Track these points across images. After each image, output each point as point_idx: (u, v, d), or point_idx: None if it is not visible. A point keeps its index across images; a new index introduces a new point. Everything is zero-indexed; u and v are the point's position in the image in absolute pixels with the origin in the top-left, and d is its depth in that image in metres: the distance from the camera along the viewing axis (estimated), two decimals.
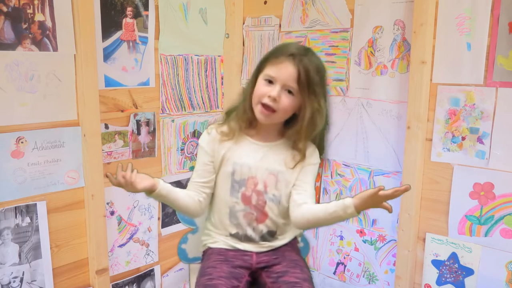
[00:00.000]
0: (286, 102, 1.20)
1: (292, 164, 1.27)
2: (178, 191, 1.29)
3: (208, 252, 1.35)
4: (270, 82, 1.21)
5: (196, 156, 1.46)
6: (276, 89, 1.19)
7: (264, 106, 1.21)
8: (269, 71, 1.21)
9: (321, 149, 1.35)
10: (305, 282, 1.22)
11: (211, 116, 2.12)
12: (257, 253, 1.31)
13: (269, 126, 1.28)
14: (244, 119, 1.28)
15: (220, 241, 1.34)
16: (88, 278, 1.71)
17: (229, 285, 1.21)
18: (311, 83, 1.19)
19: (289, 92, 1.20)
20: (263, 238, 1.32)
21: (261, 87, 1.22)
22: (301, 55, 1.20)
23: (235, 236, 1.32)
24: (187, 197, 1.31)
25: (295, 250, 1.37)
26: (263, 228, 1.31)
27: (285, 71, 1.19)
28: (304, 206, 1.25)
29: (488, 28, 1.51)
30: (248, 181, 1.28)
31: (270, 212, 1.30)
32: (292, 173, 1.29)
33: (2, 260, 1.49)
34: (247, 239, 1.32)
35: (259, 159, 1.28)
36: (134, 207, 1.87)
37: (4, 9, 1.41)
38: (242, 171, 1.28)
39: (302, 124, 1.22)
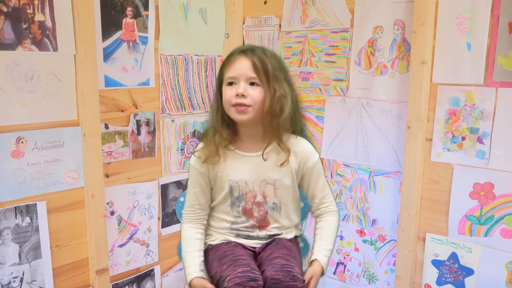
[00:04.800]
0: (255, 93, 1.22)
1: (282, 161, 1.27)
2: (200, 252, 1.32)
3: (210, 247, 1.35)
4: (233, 84, 1.24)
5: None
6: (241, 86, 1.22)
7: (237, 105, 1.22)
8: (228, 73, 1.24)
9: (301, 132, 1.36)
10: (287, 256, 1.22)
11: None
12: (259, 246, 1.32)
13: (253, 133, 1.28)
14: (223, 132, 1.27)
15: (221, 236, 1.34)
16: (88, 278, 1.71)
17: (255, 264, 1.23)
18: (269, 68, 1.22)
19: (254, 84, 1.22)
20: (268, 238, 1.33)
21: (227, 91, 1.24)
22: (252, 48, 1.24)
23: (236, 236, 1.33)
24: (202, 242, 1.34)
25: (291, 242, 1.36)
26: (266, 232, 1.32)
27: (241, 65, 1.22)
28: (319, 222, 1.36)
29: (488, 28, 1.51)
30: (247, 195, 1.29)
31: (272, 220, 1.31)
32: (289, 177, 1.29)
33: (2, 260, 1.49)
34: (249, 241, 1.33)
35: (254, 171, 1.28)
36: (134, 207, 1.87)
37: (4, 9, 1.41)
38: (239, 187, 1.28)
39: (269, 111, 1.23)
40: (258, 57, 1.22)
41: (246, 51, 1.23)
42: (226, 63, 1.26)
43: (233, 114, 1.24)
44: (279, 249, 1.26)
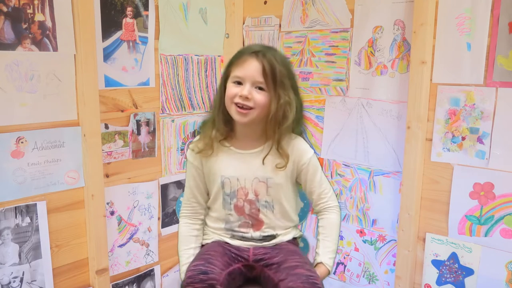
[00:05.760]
0: (259, 98, 1.21)
1: (281, 165, 1.27)
2: (195, 250, 1.34)
3: (204, 246, 1.36)
4: (239, 83, 1.23)
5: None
6: (246, 88, 1.20)
7: (239, 105, 1.22)
8: (236, 72, 1.23)
9: (300, 134, 1.36)
10: (306, 264, 1.23)
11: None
12: (254, 247, 1.32)
13: (249, 132, 1.28)
14: (221, 128, 1.28)
15: (217, 237, 1.34)
16: (88, 278, 1.71)
17: (222, 259, 1.23)
18: (278, 75, 1.21)
19: (260, 88, 1.22)
20: (263, 239, 1.32)
21: (231, 89, 1.23)
22: (264, 51, 1.22)
23: (232, 237, 1.33)
24: (198, 239, 1.36)
25: (293, 244, 1.36)
26: (260, 233, 1.31)
27: (250, 68, 1.21)
28: (320, 220, 1.35)
29: (488, 28, 1.51)
30: (239, 192, 1.29)
31: (265, 218, 1.31)
32: (282, 176, 1.29)
33: (2, 260, 1.49)
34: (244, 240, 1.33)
35: (246, 168, 1.28)
36: (134, 207, 1.87)
37: (4, 9, 1.41)
38: (231, 183, 1.28)
39: (273, 118, 1.22)
40: (268, 62, 1.20)
41: (257, 53, 1.21)
42: (235, 61, 1.24)
43: (233, 113, 1.23)
44: (291, 255, 1.25)
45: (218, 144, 1.29)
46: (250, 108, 1.21)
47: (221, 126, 1.28)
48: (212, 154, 1.29)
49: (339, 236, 1.97)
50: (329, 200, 1.34)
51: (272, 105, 1.21)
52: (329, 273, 1.28)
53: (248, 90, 1.20)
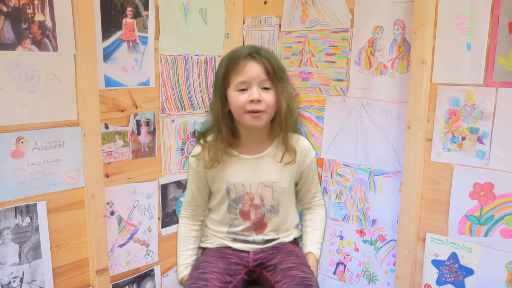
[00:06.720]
0: (268, 98, 1.21)
1: (289, 160, 1.27)
2: (193, 251, 1.36)
3: (206, 250, 1.36)
4: (243, 90, 1.21)
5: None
6: (255, 91, 1.19)
7: (252, 112, 1.20)
8: (238, 79, 1.20)
9: (297, 130, 1.36)
10: (301, 265, 1.23)
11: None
12: (254, 251, 1.32)
13: (255, 136, 1.27)
14: (224, 138, 1.26)
15: (218, 240, 1.34)
16: (88, 278, 1.71)
17: (221, 280, 1.21)
18: (277, 70, 1.22)
19: (266, 89, 1.21)
20: (265, 242, 1.32)
21: (239, 97, 1.20)
22: (257, 51, 1.22)
23: (233, 240, 1.33)
24: (196, 239, 1.38)
25: (292, 244, 1.37)
26: (263, 237, 1.31)
27: (252, 70, 1.20)
28: (308, 214, 1.40)
29: (488, 28, 1.51)
30: (244, 197, 1.28)
31: (269, 221, 1.31)
32: (287, 179, 1.29)
33: (2, 260, 1.49)
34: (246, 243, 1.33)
35: (252, 174, 1.27)
36: (134, 207, 1.87)
37: (4, 9, 1.41)
38: (236, 189, 1.28)
39: (283, 113, 1.22)
40: (266, 60, 1.20)
41: (253, 54, 1.21)
42: (232, 68, 1.21)
43: (248, 121, 1.21)
44: (287, 256, 1.26)
45: (222, 154, 1.27)
46: (263, 111, 1.20)
47: (227, 135, 1.25)
48: (218, 164, 1.27)
49: (339, 236, 1.99)
50: (320, 199, 1.40)
51: (282, 101, 1.22)
52: (317, 261, 1.33)
53: (258, 93, 1.19)
